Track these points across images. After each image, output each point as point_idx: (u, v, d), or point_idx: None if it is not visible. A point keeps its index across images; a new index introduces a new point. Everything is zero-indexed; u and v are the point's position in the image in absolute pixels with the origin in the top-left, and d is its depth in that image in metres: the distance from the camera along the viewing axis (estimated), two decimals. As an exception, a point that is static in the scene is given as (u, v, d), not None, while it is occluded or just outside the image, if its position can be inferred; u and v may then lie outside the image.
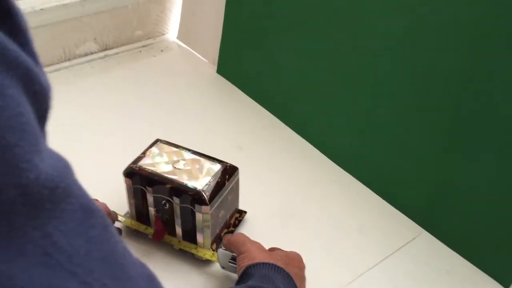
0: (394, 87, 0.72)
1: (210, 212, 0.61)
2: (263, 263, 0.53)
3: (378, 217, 0.72)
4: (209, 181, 0.61)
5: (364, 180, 0.78)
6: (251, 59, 0.95)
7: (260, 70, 0.93)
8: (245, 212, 0.70)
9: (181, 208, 0.61)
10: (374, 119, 0.75)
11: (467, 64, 0.63)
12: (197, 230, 0.62)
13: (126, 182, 0.64)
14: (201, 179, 0.62)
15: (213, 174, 0.63)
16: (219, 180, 0.62)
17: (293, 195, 0.76)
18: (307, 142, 0.86)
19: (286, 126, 0.89)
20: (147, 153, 0.65)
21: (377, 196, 0.76)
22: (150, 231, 0.65)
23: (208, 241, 0.63)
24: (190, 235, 0.64)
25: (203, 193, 0.60)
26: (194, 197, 0.60)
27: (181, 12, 1.13)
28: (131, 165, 0.63)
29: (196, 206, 0.60)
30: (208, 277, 0.63)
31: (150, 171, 0.62)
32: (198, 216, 0.61)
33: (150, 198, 0.63)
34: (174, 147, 0.66)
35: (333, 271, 0.65)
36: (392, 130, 0.73)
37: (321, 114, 0.84)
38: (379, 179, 0.76)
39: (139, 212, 0.66)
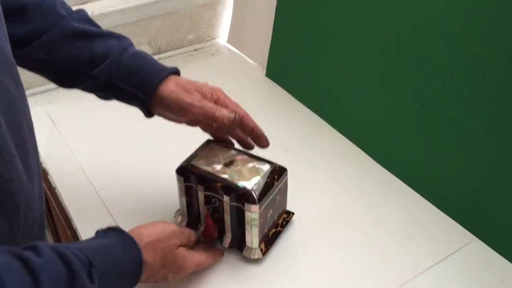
0: (443, 89, 0.70)
1: (259, 211, 0.62)
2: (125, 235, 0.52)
3: (427, 223, 0.71)
4: (258, 181, 0.63)
5: (413, 184, 0.77)
6: (299, 62, 0.96)
7: (308, 73, 0.94)
8: (293, 213, 0.71)
9: (231, 207, 0.63)
10: (424, 122, 0.74)
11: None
12: (246, 229, 0.63)
13: (178, 180, 0.66)
14: (250, 179, 0.63)
15: (262, 174, 0.64)
16: (268, 180, 0.63)
17: (340, 198, 0.76)
18: (355, 145, 0.85)
19: (334, 129, 0.89)
20: (199, 152, 0.67)
21: (427, 201, 0.74)
22: (200, 228, 0.67)
23: (256, 240, 0.64)
24: (239, 234, 0.65)
25: (252, 192, 0.61)
26: (244, 196, 0.61)
27: (231, 17, 1.15)
28: (183, 164, 0.65)
29: (246, 204, 0.61)
30: (256, 275, 0.64)
31: (201, 169, 0.64)
32: (247, 215, 0.62)
33: (201, 196, 0.65)
34: (225, 147, 0.68)
35: (380, 276, 0.64)
36: (443, 134, 0.72)
37: (369, 117, 0.84)
38: (429, 184, 0.75)
39: (190, 209, 0.68)
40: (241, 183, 0.62)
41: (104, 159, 0.82)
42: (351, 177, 0.79)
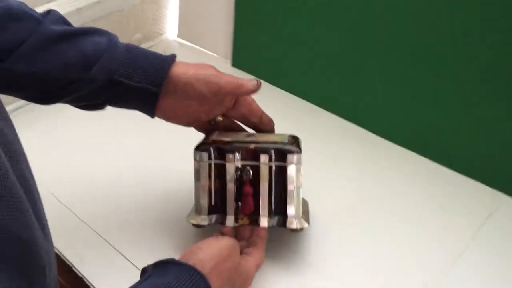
0: (435, 49, 0.67)
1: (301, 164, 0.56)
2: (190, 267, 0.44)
3: (454, 191, 0.68)
4: (288, 139, 0.58)
5: (425, 153, 0.74)
6: (270, 45, 0.89)
7: (282, 55, 0.88)
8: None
9: (270, 169, 0.56)
10: (428, 86, 0.71)
11: None
12: (288, 193, 0.56)
13: (199, 159, 0.57)
14: (279, 140, 0.58)
15: (287, 137, 0.59)
16: (295, 142, 0.58)
17: (355, 181, 0.71)
18: (351, 123, 0.81)
19: (323, 110, 0.84)
20: (210, 137, 0.59)
21: (446, 168, 0.72)
22: (227, 221, 0.57)
23: (300, 205, 0.57)
24: (279, 205, 0.57)
25: (291, 144, 0.56)
26: (283, 149, 0.56)
27: (179, 8, 1.06)
28: (204, 140, 0.58)
29: (288, 156, 0.55)
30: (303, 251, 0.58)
31: (226, 140, 0.57)
32: (291, 171, 0.56)
33: (230, 170, 0.56)
34: (232, 132, 0.61)
35: (431, 255, 0.60)
36: (449, 97, 0.69)
37: (358, 92, 0.79)
38: (445, 150, 0.72)
39: (215, 197, 0.57)
40: (274, 141, 0.57)
41: (81, 184, 0.70)
42: (358, 157, 0.75)
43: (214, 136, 0.59)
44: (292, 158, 0.55)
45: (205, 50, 1.03)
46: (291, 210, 0.56)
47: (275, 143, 0.57)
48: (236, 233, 0.57)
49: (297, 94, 0.88)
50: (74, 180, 0.71)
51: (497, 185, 0.68)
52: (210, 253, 0.47)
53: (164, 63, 0.53)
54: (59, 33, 0.50)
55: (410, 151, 0.75)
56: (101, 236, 0.63)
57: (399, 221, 0.64)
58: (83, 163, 0.74)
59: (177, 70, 0.53)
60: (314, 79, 0.85)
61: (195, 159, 0.57)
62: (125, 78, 0.51)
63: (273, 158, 0.56)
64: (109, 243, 0.62)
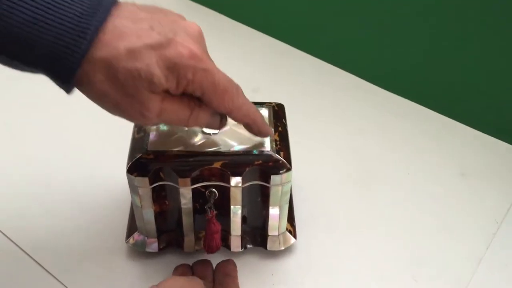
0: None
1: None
2: None
3: (476, 153, 0.54)
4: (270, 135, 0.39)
5: (434, 107, 0.59)
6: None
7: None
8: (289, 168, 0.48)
9: (245, 190, 0.39)
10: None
11: None
12: (270, 214, 0.41)
13: (138, 184, 0.38)
14: (255, 140, 0.39)
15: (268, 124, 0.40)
16: (280, 129, 0.40)
17: (354, 141, 0.55)
18: (338, 68, 0.65)
19: (298, 50, 0.67)
20: (146, 129, 0.39)
21: (466, 126, 0.57)
22: (187, 244, 0.42)
23: (285, 221, 0.42)
24: (254, 226, 0.43)
25: (278, 154, 0.38)
26: (266, 164, 0.38)
27: None
28: (138, 154, 0.38)
29: (273, 177, 0.38)
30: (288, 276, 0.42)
31: (175, 152, 0.38)
32: (275, 191, 0.39)
33: (187, 194, 0.39)
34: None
35: (458, 238, 0.46)
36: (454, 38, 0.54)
37: (339, 30, 0.63)
38: (460, 103, 0.58)
39: (163, 223, 0.42)
40: (251, 148, 0.38)
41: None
42: (355, 110, 0.59)
43: (151, 142, 0.38)
44: (278, 178, 0.38)
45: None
46: (272, 228, 0.42)
47: (249, 153, 0.38)
48: (193, 271, 0.42)
49: (267, 32, 0.70)
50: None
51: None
52: None
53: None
54: None
55: (417, 104, 0.60)
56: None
57: (412, 195, 0.50)
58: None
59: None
60: (284, 14, 0.67)
61: (131, 184, 0.38)
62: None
63: (251, 176, 0.38)
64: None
